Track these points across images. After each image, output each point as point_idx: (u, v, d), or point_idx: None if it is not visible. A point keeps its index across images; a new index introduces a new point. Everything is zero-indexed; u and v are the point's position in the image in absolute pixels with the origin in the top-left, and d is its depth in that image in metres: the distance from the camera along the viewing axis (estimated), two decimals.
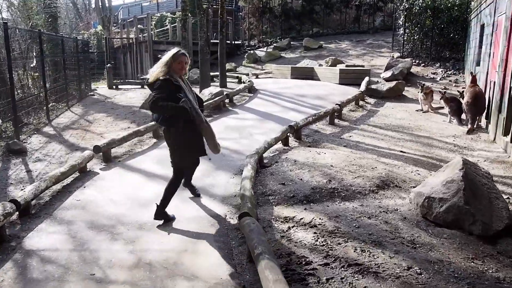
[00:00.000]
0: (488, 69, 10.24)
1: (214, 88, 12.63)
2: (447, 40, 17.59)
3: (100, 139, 8.96)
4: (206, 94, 11.92)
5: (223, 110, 11.15)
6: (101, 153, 6.96)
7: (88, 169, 6.55)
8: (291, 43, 24.02)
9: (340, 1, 25.95)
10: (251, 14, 26.23)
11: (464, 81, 15.39)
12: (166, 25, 28.20)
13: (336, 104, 10.00)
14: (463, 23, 17.20)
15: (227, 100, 11.72)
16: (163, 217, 4.61)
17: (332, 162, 6.14)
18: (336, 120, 9.78)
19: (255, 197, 4.83)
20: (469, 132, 9.09)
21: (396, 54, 18.63)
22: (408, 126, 9.57)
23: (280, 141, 7.44)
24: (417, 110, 11.40)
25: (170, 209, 4.75)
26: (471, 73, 10.31)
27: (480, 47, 12.70)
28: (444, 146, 7.92)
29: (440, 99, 10.57)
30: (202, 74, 14.87)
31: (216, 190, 5.57)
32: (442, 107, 11.61)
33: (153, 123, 8.61)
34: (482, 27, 12.39)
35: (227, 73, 16.89)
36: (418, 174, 6.07)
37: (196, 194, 5.32)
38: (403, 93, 13.28)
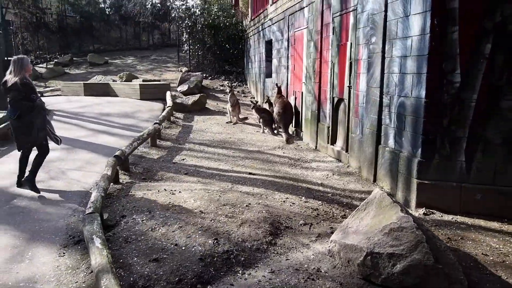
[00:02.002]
0: (288, 80, 9.69)
1: None
2: (227, 55, 17.12)
3: None
4: None
5: (11, 140, 7.38)
6: None
7: None
8: (74, 59, 19.96)
9: (119, 19, 23.05)
10: (24, 28, 20.79)
11: (249, 92, 15.04)
12: None
13: (156, 122, 7.71)
14: (239, 40, 16.99)
15: None
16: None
17: (198, 206, 4.02)
18: (157, 141, 7.53)
19: None
20: (288, 141, 8.22)
21: (184, 69, 17.15)
22: (232, 141, 8.08)
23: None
24: (227, 122, 10.09)
25: None
26: (276, 84, 9.57)
27: (268, 61, 12.33)
28: (282, 161, 6.68)
29: (252, 108, 9.51)
30: None
31: None
32: (247, 118, 10.67)
33: None
34: (269, 42, 12.01)
35: None
36: (293, 203, 4.52)
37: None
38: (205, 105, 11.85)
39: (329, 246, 3.29)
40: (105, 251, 2.82)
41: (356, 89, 5.87)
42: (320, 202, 4.64)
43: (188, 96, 11.68)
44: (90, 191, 4.83)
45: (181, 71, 17.22)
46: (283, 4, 9.99)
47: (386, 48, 4.97)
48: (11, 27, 22.16)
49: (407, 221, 2.84)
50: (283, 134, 8.63)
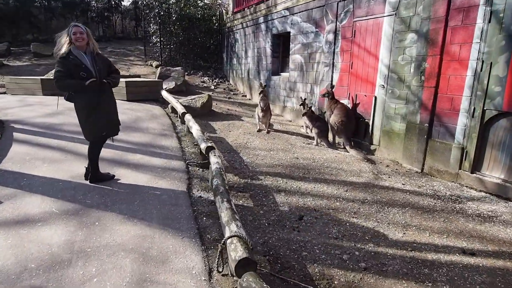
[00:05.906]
0: (332, 80, 6.58)
1: None
2: (203, 49, 13.14)
3: None
4: None
5: None
6: None
7: None
8: (11, 49, 13.90)
9: (63, 6, 16.97)
10: None
11: (236, 89, 11.50)
12: None
13: (210, 146, 4.10)
14: (216, 34, 13.11)
15: None
16: (100, 179, 3.48)
17: None
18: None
19: None
20: (368, 160, 5.25)
21: (155, 63, 12.77)
22: (308, 164, 4.78)
23: None
24: (258, 131, 6.68)
25: None
26: (332, 86, 6.42)
27: (275, 56, 9.01)
28: (428, 204, 3.70)
29: (303, 115, 6.26)
30: None
31: None
32: (271, 123, 7.36)
33: None
34: (278, 36, 8.66)
35: None
36: None
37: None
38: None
39: None
40: None
41: None
42: None
43: (193, 97, 7.82)
44: None
45: (151, 65, 12.87)
46: None
47: None
48: None
49: None
50: (348, 148, 5.64)
